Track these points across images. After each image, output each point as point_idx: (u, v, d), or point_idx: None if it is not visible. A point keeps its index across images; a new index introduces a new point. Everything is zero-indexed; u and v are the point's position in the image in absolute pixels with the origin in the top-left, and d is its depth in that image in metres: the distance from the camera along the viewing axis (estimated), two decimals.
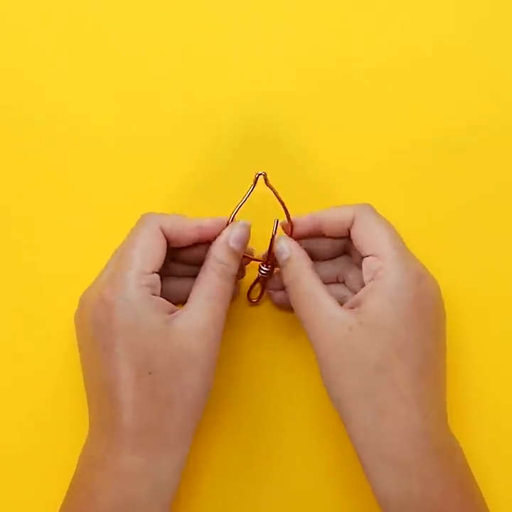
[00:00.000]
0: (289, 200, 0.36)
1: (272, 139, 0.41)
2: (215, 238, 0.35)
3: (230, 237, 0.35)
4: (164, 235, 0.34)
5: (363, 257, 0.34)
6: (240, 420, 0.38)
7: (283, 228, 0.37)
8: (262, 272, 0.38)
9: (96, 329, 0.32)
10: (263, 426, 0.38)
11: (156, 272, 0.33)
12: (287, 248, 0.36)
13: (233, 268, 0.35)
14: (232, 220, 0.36)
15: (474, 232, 0.40)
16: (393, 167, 0.40)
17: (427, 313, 0.33)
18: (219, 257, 0.34)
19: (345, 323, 0.32)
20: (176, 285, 0.37)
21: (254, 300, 0.39)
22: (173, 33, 0.42)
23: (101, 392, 0.32)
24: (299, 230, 0.37)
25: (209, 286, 0.34)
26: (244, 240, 0.35)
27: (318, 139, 0.41)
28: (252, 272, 0.39)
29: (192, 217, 0.36)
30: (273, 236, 0.37)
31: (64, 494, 0.32)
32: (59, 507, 0.32)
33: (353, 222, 0.35)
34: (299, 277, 0.34)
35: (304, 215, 0.37)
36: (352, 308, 0.33)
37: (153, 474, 0.31)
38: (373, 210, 0.35)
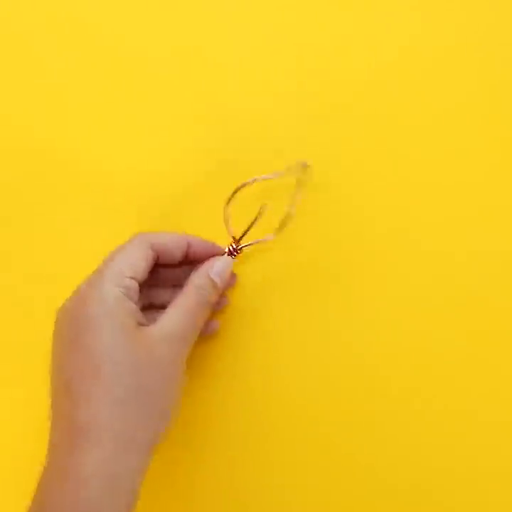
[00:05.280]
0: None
1: (269, 140, 0.41)
2: (202, 259, 0.37)
3: (211, 268, 0.36)
4: (154, 250, 0.35)
5: None
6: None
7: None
8: (230, 248, 0.38)
9: (67, 322, 0.33)
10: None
11: (137, 280, 0.34)
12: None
13: (211, 296, 0.36)
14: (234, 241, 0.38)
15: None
16: (396, 170, 0.40)
17: None
18: (197, 283, 0.36)
19: None
20: (161, 293, 0.38)
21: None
22: (171, 31, 0.42)
23: (60, 390, 0.32)
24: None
25: (184, 304, 0.35)
26: (225, 275, 0.37)
27: (317, 142, 0.41)
28: None
29: (183, 234, 0.37)
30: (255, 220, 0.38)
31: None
32: None
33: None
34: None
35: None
36: None
37: (110, 478, 0.30)
38: None
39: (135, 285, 0.34)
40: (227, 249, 0.38)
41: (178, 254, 0.37)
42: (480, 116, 0.40)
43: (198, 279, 0.36)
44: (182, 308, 0.34)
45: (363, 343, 0.39)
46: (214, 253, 0.38)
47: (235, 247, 0.38)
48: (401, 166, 0.40)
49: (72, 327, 0.32)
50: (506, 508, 0.38)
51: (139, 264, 0.34)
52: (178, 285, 0.37)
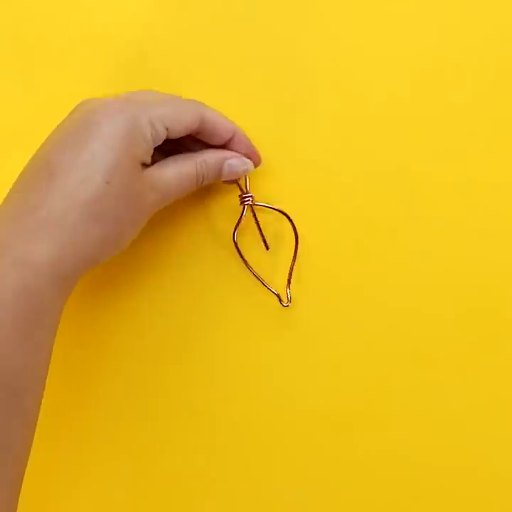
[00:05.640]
0: None
1: None
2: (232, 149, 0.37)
3: (231, 159, 0.36)
4: (201, 122, 0.35)
5: None
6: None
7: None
8: (249, 197, 0.37)
9: (85, 115, 0.32)
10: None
11: (167, 135, 0.33)
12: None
13: (209, 178, 0.36)
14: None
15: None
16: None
17: None
18: (208, 158, 0.36)
19: None
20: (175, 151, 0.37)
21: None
22: None
23: (37, 167, 0.31)
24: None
25: (185, 170, 0.35)
26: (236, 173, 0.36)
27: None
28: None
29: (233, 124, 0.36)
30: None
31: None
32: None
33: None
34: None
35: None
36: None
37: (53, 267, 0.30)
38: None
39: (163, 137, 0.33)
40: (248, 194, 0.37)
41: (219, 139, 0.36)
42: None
43: (212, 157, 0.36)
44: (181, 172, 0.35)
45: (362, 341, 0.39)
46: (249, 155, 0.37)
47: (251, 200, 0.37)
48: (399, 164, 0.40)
49: (87, 121, 0.32)
50: (506, 508, 0.38)
51: (180, 124, 0.34)
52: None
